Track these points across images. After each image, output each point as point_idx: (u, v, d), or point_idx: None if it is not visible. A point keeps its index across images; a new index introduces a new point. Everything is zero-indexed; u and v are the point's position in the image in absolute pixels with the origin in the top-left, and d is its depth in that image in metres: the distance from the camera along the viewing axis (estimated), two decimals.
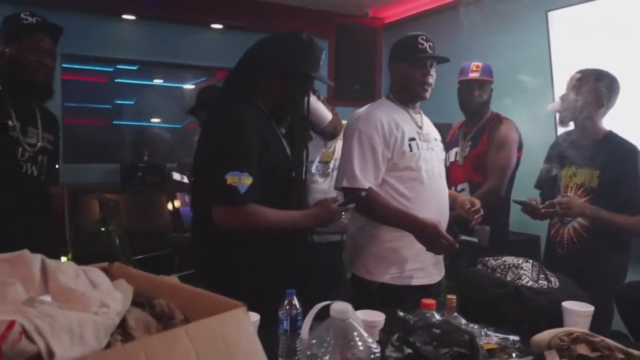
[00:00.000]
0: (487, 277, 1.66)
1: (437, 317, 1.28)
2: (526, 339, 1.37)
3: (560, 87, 2.53)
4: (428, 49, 1.92)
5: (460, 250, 1.79)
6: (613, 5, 2.90)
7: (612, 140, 2.12)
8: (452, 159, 2.74)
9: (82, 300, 0.76)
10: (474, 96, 2.67)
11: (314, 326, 1.07)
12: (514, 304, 1.55)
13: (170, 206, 3.90)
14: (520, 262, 1.69)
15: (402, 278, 1.91)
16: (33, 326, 0.64)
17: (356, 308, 1.19)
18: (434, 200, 1.94)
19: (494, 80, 2.71)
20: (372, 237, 1.93)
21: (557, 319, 1.45)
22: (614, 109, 2.15)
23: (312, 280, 1.82)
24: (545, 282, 1.63)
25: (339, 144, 2.44)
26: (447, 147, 2.63)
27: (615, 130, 2.15)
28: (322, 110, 1.96)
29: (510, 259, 1.71)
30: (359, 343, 0.94)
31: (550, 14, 3.24)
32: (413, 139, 1.92)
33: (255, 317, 1.25)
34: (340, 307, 0.98)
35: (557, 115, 2.27)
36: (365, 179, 1.86)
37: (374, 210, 1.88)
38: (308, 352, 0.96)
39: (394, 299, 1.77)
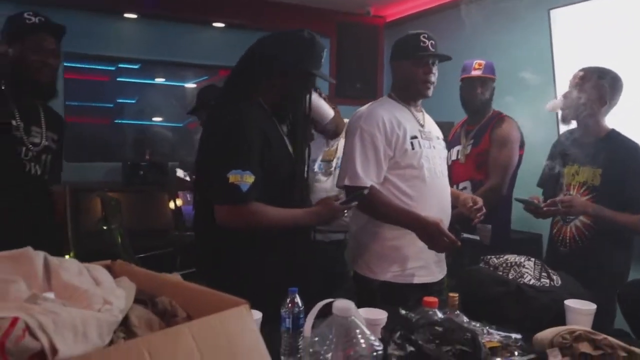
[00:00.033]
0: (489, 275, 1.66)
1: (440, 315, 1.28)
2: (528, 337, 1.37)
3: (562, 85, 2.52)
4: (430, 47, 1.92)
5: (462, 248, 1.79)
6: (615, 4, 2.90)
7: (615, 139, 2.12)
8: (453, 157, 2.73)
9: (85, 298, 0.77)
10: (476, 94, 2.66)
11: (316, 324, 1.07)
12: (516, 302, 1.55)
13: (172, 205, 3.90)
14: (522, 260, 1.69)
15: (404, 276, 1.91)
16: (36, 323, 0.64)
17: (358, 306, 1.19)
18: (436, 198, 1.94)
19: (496, 78, 2.70)
20: (374, 236, 1.93)
21: (559, 317, 1.45)
22: (616, 107, 2.15)
23: (314, 279, 1.82)
24: (548, 281, 1.63)
25: (341, 143, 2.44)
26: (449, 146, 2.63)
27: (617, 129, 2.15)
28: (324, 108, 1.96)
29: (512, 257, 1.71)
30: (362, 340, 0.94)
31: (552, 12, 3.23)
32: (415, 137, 1.92)
33: (257, 315, 1.25)
34: (342, 305, 0.98)
35: (560, 113, 2.27)
36: (367, 177, 1.86)
37: (376, 208, 1.88)
38: (310, 350, 0.96)
39: (396, 297, 1.77)
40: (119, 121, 4.63)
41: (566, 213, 2.11)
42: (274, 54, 1.69)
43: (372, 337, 0.97)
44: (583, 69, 2.15)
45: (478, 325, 1.44)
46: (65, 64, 3.91)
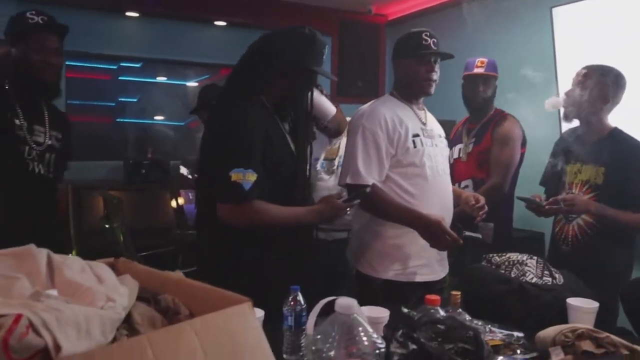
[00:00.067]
0: (492, 273, 1.66)
1: (442, 313, 1.28)
2: (531, 335, 1.37)
3: (565, 83, 2.52)
4: (432, 45, 1.91)
5: (464, 246, 1.78)
6: (617, 2, 2.89)
7: (618, 137, 2.11)
8: (455, 155, 2.73)
9: (89, 295, 0.77)
10: (478, 91, 2.66)
11: (318, 322, 1.07)
12: (518, 301, 1.55)
13: (174, 203, 3.90)
14: (524, 258, 1.69)
15: (406, 274, 1.91)
16: (40, 320, 0.64)
17: (360, 305, 1.19)
18: (438, 196, 1.94)
19: (498, 75, 2.70)
20: (376, 234, 1.93)
21: (561, 316, 1.45)
22: (619, 105, 2.14)
23: (316, 277, 1.82)
24: (550, 279, 1.63)
25: (343, 141, 2.44)
26: (451, 144, 2.63)
27: (620, 127, 2.14)
28: (326, 105, 1.95)
29: (514, 256, 1.71)
30: (364, 338, 0.94)
31: (554, 10, 3.22)
32: (417, 135, 1.92)
33: (259, 313, 1.25)
34: (345, 303, 0.98)
35: (562, 111, 2.26)
36: (369, 176, 1.85)
37: (378, 206, 1.88)
38: (313, 348, 0.96)
39: (397, 295, 1.78)
40: (121, 120, 4.62)
41: (568, 211, 2.11)
42: (275, 52, 1.69)
43: (375, 335, 0.97)
44: (586, 67, 2.15)
45: (480, 323, 1.43)
46: (66, 63, 3.91)
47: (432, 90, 1.95)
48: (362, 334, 0.95)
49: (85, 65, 4.32)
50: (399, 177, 1.90)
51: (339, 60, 4.64)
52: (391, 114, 1.91)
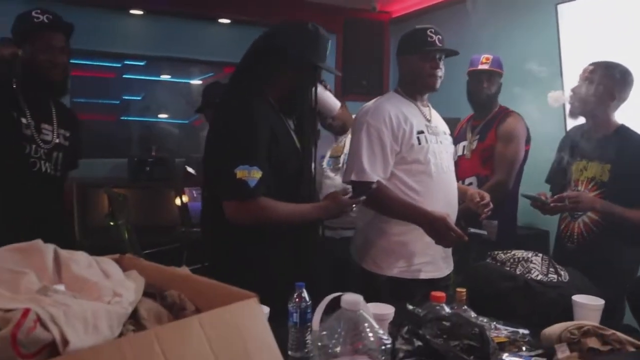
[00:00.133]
0: (497, 270, 1.66)
1: (447, 310, 1.28)
2: (536, 333, 1.37)
3: (570, 80, 2.51)
4: (437, 41, 1.91)
5: (469, 243, 1.78)
6: None
7: (624, 134, 2.10)
8: (459, 153, 2.73)
9: (95, 290, 0.77)
10: (482, 87, 2.65)
11: (324, 318, 1.07)
12: (523, 298, 1.55)
13: (178, 201, 3.91)
14: (529, 255, 1.69)
15: (411, 272, 1.91)
16: (48, 314, 0.65)
17: (365, 301, 1.19)
18: (442, 193, 1.93)
19: (503, 72, 2.69)
20: (380, 231, 1.93)
21: (567, 313, 1.45)
22: (626, 102, 2.13)
23: (322, 275, 1.82)
24: (555, 276, 1.63)
25: (349, 138, 2.43)
26: (455, 141, 2.62)
27: (627, 124, 2.13)
28: (331, 100, 1.94)
29: (519, 253, 1.71)
30: (370, 334, 0.94)
31: (560, 6, 3.21)
32: (422, 132, 1.92)
33: (264, 310, 1.25)
34: (351, 299, 0.98)
35: (567, 108, 2.25)
36: (374, 173, 1.85)
37: (383, 203, 1.87)
38: (319, 344, 0.96)
39: (402, 292, 1.78)
40: (125, 118, 4.63)
41: (573, 209, 2.10)
42: (278, 48, 1.68)
43: (381, 331, 0.97)
44: (593, 64, 2.13)
45: (485, 320, 1.43)
46: (71, 61, 3.92)
47: (437, 85, 1.95)
48: (368, 330, 0.95)
49: (89, 63, 4.32)
50: (403, 174, 1.90)
51: (344, 59, 4.63)
52: (396, 110, 1.91)
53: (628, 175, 2.02)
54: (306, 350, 1.24)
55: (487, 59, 2.66)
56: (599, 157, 2.09)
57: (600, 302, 1.44)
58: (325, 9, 4.45)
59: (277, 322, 1.23)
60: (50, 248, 0.82)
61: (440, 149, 1.96)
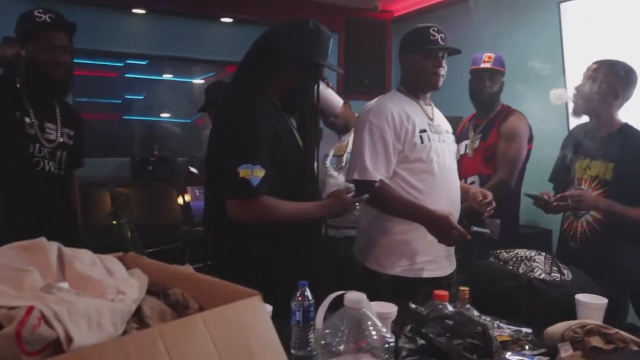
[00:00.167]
0: (499, 269, 1.66)
1: (450, 308, 1.28)
2: (539, 331, 1.37)
3: (573, 79, 2.51)
4: (440, 40, 1.91)
5: (471, 241, 1.78)
6: None
7: (628, 133, 2.09)
8: (462, 151, 2.72)
9: (99, 288, 0.77)
10: (484, 86, 2.65)
11: (327, 317, 1.07)
12: (526, 297, 1.54)
13: (180, 200, 3.91)
14: (532, 254, 1.68)
15: (413, 270, 1.91)
16: (52, 312, 0.65)
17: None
18: (445, 192, 1.93)
19: (505, 71, 2.69)
20: (383, 230, 1.93)
21: (570, 312, 1.44)
22: (629, 101, 2.13)
23: (325, 273, 1.82)
24: (558, 275, 1.62)
25: (352, 137, 2.43)
26: (457, 140, 2.61)
27: (631, 123, 2.12)
28: (333, 97, 1.94)
29: (522, 252, 1.70)
30: (373, 332, 0.94)
31: (562, 5, 3.20)
32: (424, 131, 1.91)
33: (267, 308, 1.25)
34: (354, 297, 0.98)
35: (570, 106, 2.25)
36: (376, 171, 1.85)
37: (385, 202, 1.87)
38: (322, 342, 0.95)
39: (405, 291, 1.77)
40: (127, 117, 4.64)
41: (576, 208, 2.10)
42: (280, 46, 1.68)
43: (384, 329, 0.97)
44: (597, 62, 2.13)
45: (488, 319, 1.43)
46: (73, 60, 3.92)
47: (440, 83, 1.94)
48: (371, 328, 0.95)
49: (91, 62, 4.33)
50: (406, 173, 1.90)
51: (346, 58, 4.63)
52: (398, 109, 1.91)
53: (631, 174, 2.01)
54: (309, 349, 1.24)
55: (490, 57, 2.65)
56: (602, 156, 2.09)
57: (603, 301, 1.43)
58: (327, 8, 4.45)
59: (280, 320, 1.23)
60: (54, 246, 0.82)
61: (443, 148, 1.96)
